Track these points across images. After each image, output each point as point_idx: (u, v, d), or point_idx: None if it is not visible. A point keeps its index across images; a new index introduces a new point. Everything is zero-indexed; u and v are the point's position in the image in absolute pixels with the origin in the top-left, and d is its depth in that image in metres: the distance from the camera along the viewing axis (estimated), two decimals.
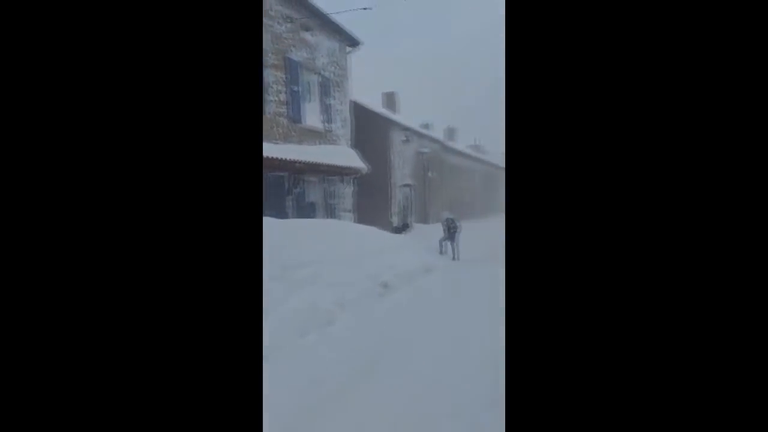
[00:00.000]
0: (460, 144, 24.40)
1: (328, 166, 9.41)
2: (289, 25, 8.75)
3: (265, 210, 7.24)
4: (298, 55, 9.03)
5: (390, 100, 17.85)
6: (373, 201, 12.98)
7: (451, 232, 8.71)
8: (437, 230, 9.80)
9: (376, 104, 15.17)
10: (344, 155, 10.37)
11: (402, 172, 14.74)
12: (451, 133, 23.90)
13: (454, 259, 8.42)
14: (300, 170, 8.93)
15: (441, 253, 8.63)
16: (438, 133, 21.02)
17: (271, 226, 5.26)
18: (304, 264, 4.72)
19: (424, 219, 15.98)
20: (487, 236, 12.77)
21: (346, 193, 11.18)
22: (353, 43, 11.11)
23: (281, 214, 8.26)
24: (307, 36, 9.28)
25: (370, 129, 13.22)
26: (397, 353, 3.26)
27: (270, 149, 7.57)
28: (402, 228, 9.99)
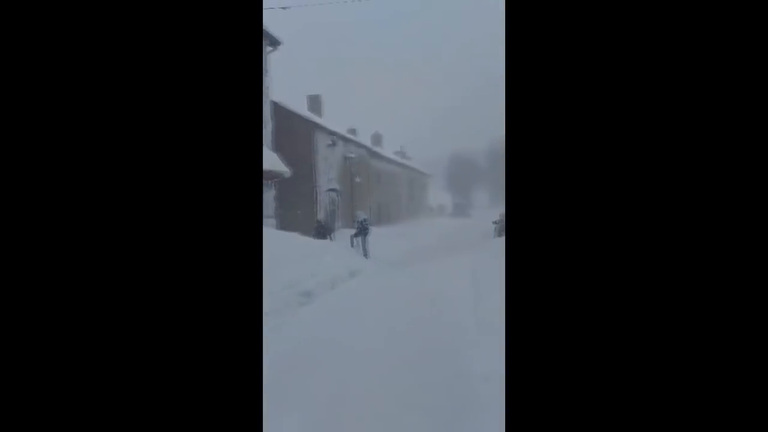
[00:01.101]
0: (387, 150, 24.77)
1: None
2: None
3: None
4: None
5: (314, 103, 17.47)
6: (296, 206, 12.50)
7: (362, 230, 9.40)
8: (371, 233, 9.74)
9: (299, 107, 14.72)
10: (265, 158, 9.82)
11: (327, 176, 14.46)
12: (377, 139, 24.16)
13: (365, 256, 8.89)
14: None
15: (351, 246, 9.29)
16: (364, 139, 21.09)
17: None
18: None
19: (351, 224, 15.83)
20: (412, 239, 12.97)
21: (267, 198, 10.61)
22: (273, 42, 10.64)
23: None
24: None
25: (293, 132, 12.76)
26: (314, 367, 3.02)
27: None
28: (323, 233, 10.08)
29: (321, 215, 12.71)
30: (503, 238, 8.48)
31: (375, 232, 14.50)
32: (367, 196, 18.42)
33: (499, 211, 15.01)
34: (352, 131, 19.76)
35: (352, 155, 16.16)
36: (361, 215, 9.88)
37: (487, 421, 2.20)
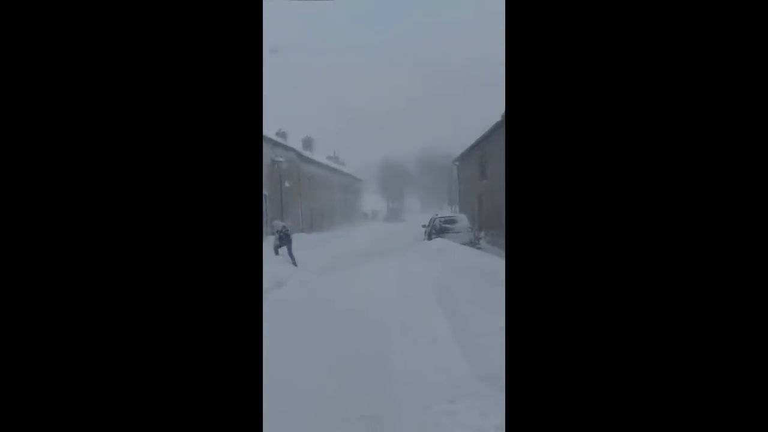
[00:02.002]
0: (319, 155, 24.41)
1: None
2: None
3: None
4: None
5: None
6: None
7: (284, 238, 9.09)
8: (294, 240, 9.36)
9: None
10: None
11: None
12: (308, 143, 23.70)
13: (294, 264, 8.62)
14: None
15: (276, 255, 9.03)
16: (295, 143, 20.55)
17: None
18: None
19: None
20: (345, 244, 12.83)
21: None
22: None
23: None
24: None
25: None
26: None
27: None
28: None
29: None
30: (434, 241, 8.68)
31: (308, 239, 14.14)
32: (298, 201, 17.93)
33: (429, 215, 15.48)
34: (282, 134, 19.16)
35: (281, 159, 15.64)
36: (279, 224, 9.61)
37: (407, 423, 2.14)
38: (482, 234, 12.81)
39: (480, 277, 4.94)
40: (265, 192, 14.44)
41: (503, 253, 9.45)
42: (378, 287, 5.66)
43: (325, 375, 2.84)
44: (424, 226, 13.24)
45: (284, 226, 9.33)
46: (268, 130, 16.35)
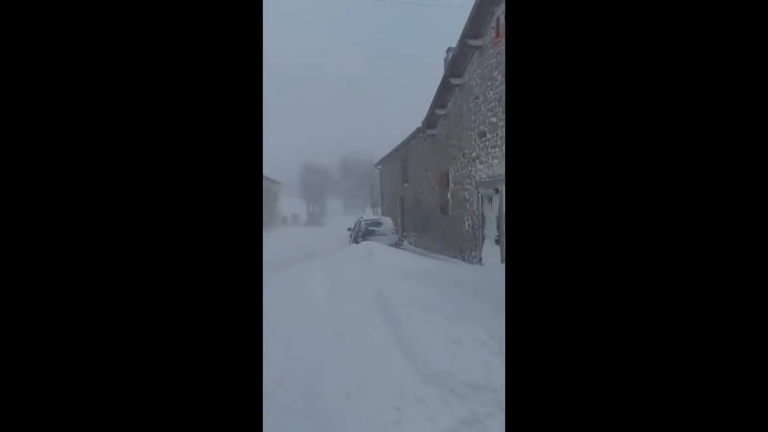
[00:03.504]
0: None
1: None
2: None
3: None
4: None
5: None
6: None
7: None
8: None
9: None
10: None
11: None
12: None
13: None
14: None
15: None
16: None
17: None
18: None
19: None
20: (266, 250, 12.16)
21: None
22: None
23: None
24: None
25: None
26: None
27: None
28: None
29: None
30: (362, 243, 8.61)
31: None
32: None
33: (352, 218, 15.34)
34: None
35: None
36: None
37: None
38: (405, 235, 13.10)
39: (412, 277, 4.98)
40: None
41: (427, 254, 9.76)
42: (307, 293, 5.41)
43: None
44: (349, 229, 13.15)
45: None
46: None
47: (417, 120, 10.91)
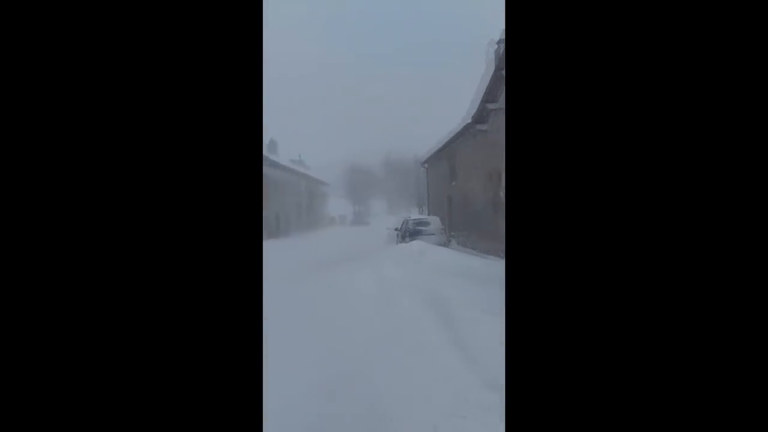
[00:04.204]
0: (283, 158, 23.76)
1: None
2: None
3: None
4: None
5: None
6: None
7: None
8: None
9: None
10: None
11: None
12: (273, 146, 23.02)
13: None
14: None
15: None
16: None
17: None
18: None
19: None
20: (315, 250, 12.44)
21: None
22: None
23: None
24: None
25: None
26: None
27: None
28: None
29: None
30: (411, 243, 8.53)
31: (276, 245, 13.59)
32: (264, 206, 17.30)
33: (396, 218, 15.30)
34: None
35: None
36: None
37: None
38: (452, 235, 12.85)
39: (465, 278, 4.81)
40: None
41: (477, 253, 9.48)
42: (357, 294, 5.42)
43: (312, 396, 2.57)
44: (396, 229, 13.11)
45: None
46: None
47: (457, 116, 10.63)
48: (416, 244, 7.93)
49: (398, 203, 38.92)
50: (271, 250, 12.15)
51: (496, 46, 10.28)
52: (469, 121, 10.48)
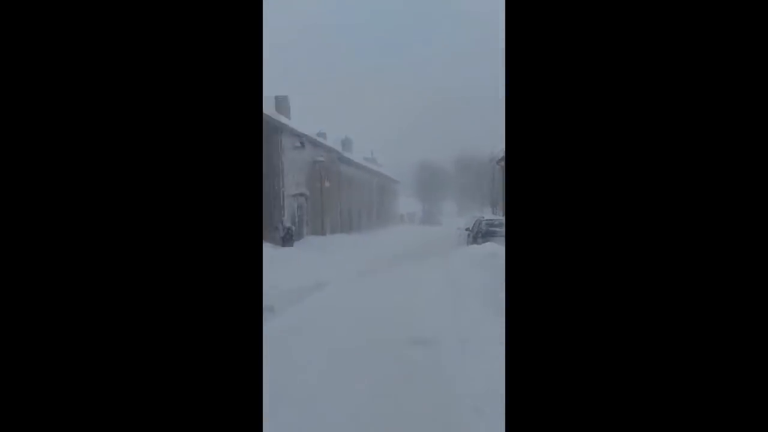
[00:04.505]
0: (357, 155, 24.35)
1: None
2: None
3: None
4: None
5: (282, 104, 16.74)
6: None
7: (287, 234, 11.04)
8: (333, 242, 9.22)
9: (265, 107, 13.94)
10: None
11: (294, 180, 13.81)
12: (347, 143, 23.69)
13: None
14: None
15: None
16: (334, 143, 20.55)
17: None
18: None
19: (321, 230, 15.23)
20: (384, 247, 12.54)
21: None
22: None
23: None
24: None
25: None
26: (277, 390, 2.44)
27: None
28: (290, 240, 10.63)
29: (287, 221, 12.16)
30: (484, 244, 8.17)
31: (346, 240, 13.99)
32: (336, 201, 17.87)
33: (467, 218, 14.85)
34: (322, 135, 19.17)
35: (322, 159, 15.61)
36: (288, 222, 11.20)
37: None
38: None
39: None
40: (305, 191, 14.43)
41: None
42: (424, 294, 5.28)
43: (376, 396, 2.49)
44: (467, 229, 12.71)
45: (290, 227, 11.10)
46: (309, 130, 16.39)
47: None
48: (489, 246, 7.56)
49: (470, 202, 37.89)
50: (339, 244, 12.47)
51: None
52: None
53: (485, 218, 11.78)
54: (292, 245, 10.10)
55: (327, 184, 15.98)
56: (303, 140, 14.19)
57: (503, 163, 17.17)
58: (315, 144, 15.79)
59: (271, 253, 6.63)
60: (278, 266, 6.14)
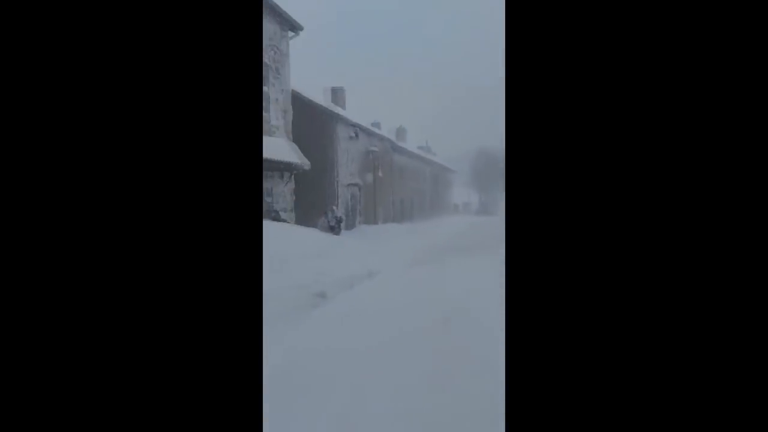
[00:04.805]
0: (411, 144, 24.19)
1: (264, 160, 8.47)
2: None
3: None
4: None
5: (337, 95, 17.02)
6: (314, 200, 12.11)
7: (336, 223, 10.76)
8: (385, 231, 9.29)
9: (318, 96, 14.27)
10: (283, 149, 9.47)
11: (348, 170, 14.04)
12: (401, 133, 23.61)
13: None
14: None
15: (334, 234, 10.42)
16: (388, 133, 20.57)
17: None
18: None
19: (374, 219, 15.41)
20: (438, 237, 12.41)
21: (285, 191, 10.27)
22: (294, 27, 10.24)
23: None
24: None
25: (313, 122, 12.35)
26: (327, 375, 2.52)
27: None
28: (336, 226, 10.77)
29: (340, 210, 12.45)
30: None
31: (399, 229, 14.03)
32: (390, 191, 17.93)
33: None
34: (376, 125, 19.25)
35: (375, 149, 15.71)
36: (339, 212, 11.11)
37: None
38: None
39: None
40: (357, 181, 14.64)
41: None
42: (477, 285, 5.14)
43: (433, 388, 2.47)
44: None
45: (340, 217, 10.96)
46: (364, 120, 16.53)
47: None
48: None
49: None
50: (392, 233, 12.51)
51: None
52: None
53: None
54: (339, 234, 10.37)
55: (380, 173, 16.07)
56: (357, 130, 14.35)
57: None
58: (369, 134, 15.90)
59: (323, 241, 6.82)
60: (331, 254, 6.29)
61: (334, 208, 11.76)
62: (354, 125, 14.17)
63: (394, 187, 18.56)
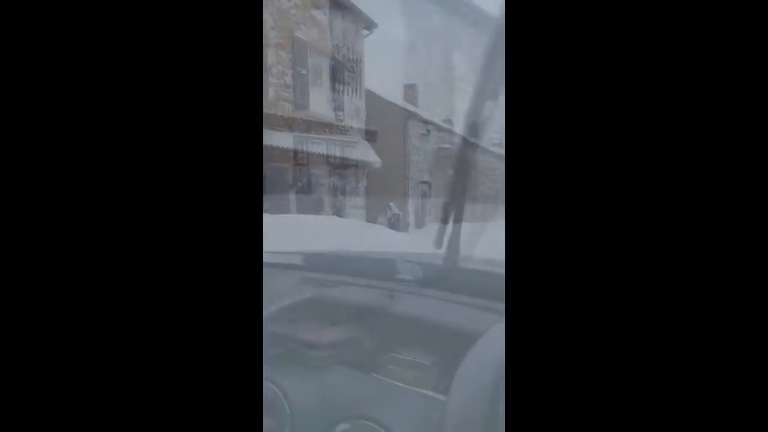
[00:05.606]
0: (484, 141, 23.44)
1: (338, 158, 8.69)
2: (297, 0, 8.06)
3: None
4: (306, 34, 8.32)
5: (411, 93, 16.98)
6: (386, 198, 12.23)
7: (394, 221, 10.82)
8: (455, 229, 9.08)
9: (391, 94, 14.33)
10: (356, 147, 9.64)
11: (420, 167, 13.95)
12: (474, 129, 22.95)
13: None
14: (305, 162, 8.27)
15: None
16: (461, 129, 20.13)
17: (264, 222, 4.49)
18: (291, 267, 3.92)
19: (444, 218, 15.18)
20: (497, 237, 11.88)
21: (358, 188, 10.46)
22: (369, 25, 10.34)
23: (281, 209, 7.67)
24: (317, 14, 8.59)
25: (384, 119, 12.44)
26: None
27: (270, 137, 6.86)
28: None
29: (396, 207, 12.52)
30: None
31: (472, 228, 13.62)
32: (462, 189, 17.52)
33: None
34: (448, 121, 18.93)
35: (448, 145, 15.45)
36: (395, 208, 10.86)
37: None
38: None
39: None
40: (429, 179, 14.50)
41: None
42: None
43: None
44: None
45: (398, 214, 10.93)
46: (436, 117, 16.33)
47: None
48: None
49: None
50: (462, 231, 12.19)
51: None
52: None
53: None
54: (398, 230, 10.27)
55: (451, 171, 15.76)
56: (429, 128, 14.20)
57: None
58: (441, 130, 15.68)
59: (392, 240, 6.80)
60: (403, 251, 6.23)
61: (392, 204, 11.76)
62: (426, 122, 14.04)
63: (467, 186, 18.12)
